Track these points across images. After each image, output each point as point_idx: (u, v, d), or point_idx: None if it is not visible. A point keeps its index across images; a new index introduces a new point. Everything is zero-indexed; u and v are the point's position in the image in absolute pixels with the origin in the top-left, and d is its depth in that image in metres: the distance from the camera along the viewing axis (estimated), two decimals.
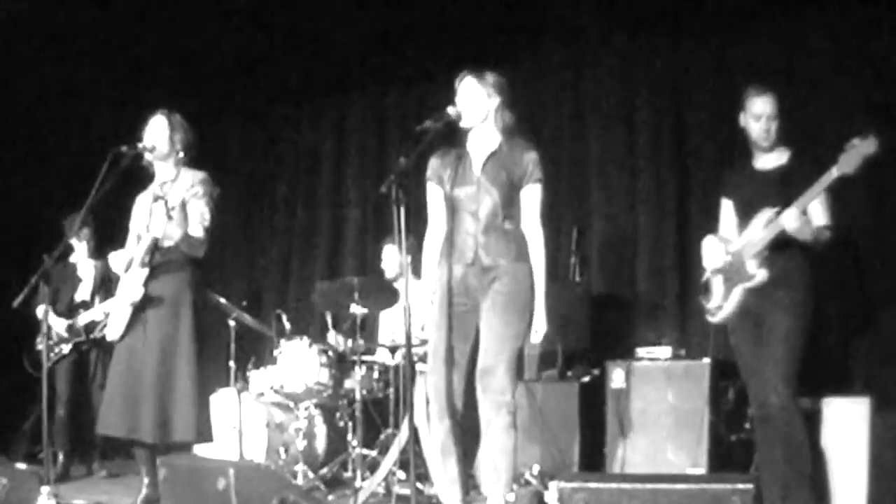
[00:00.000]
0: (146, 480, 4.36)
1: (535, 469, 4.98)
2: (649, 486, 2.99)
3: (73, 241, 6.13)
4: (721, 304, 4.20)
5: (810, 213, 3.96)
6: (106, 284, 6.11)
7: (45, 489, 4.06)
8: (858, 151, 3.74)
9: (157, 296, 4.33)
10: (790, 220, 3.87)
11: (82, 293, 6.20)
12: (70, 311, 6.10)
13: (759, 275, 4.06)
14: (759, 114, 4.15)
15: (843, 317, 5.13)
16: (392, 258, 6.02)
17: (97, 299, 6.14)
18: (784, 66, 5.44)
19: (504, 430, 3.78)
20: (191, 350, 4.33)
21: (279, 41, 6.98)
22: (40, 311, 5.94)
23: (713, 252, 4.26)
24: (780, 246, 4.00)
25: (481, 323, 3.85)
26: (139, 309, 4.33)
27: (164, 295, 4.34)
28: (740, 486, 2.92)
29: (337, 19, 6.65)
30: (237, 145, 7.81)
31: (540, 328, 3.86)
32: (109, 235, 5.61)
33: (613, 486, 3.03)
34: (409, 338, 3.54)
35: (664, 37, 5.94)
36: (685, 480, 3.02)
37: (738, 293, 4.13)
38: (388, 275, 6.04)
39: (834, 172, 3.80)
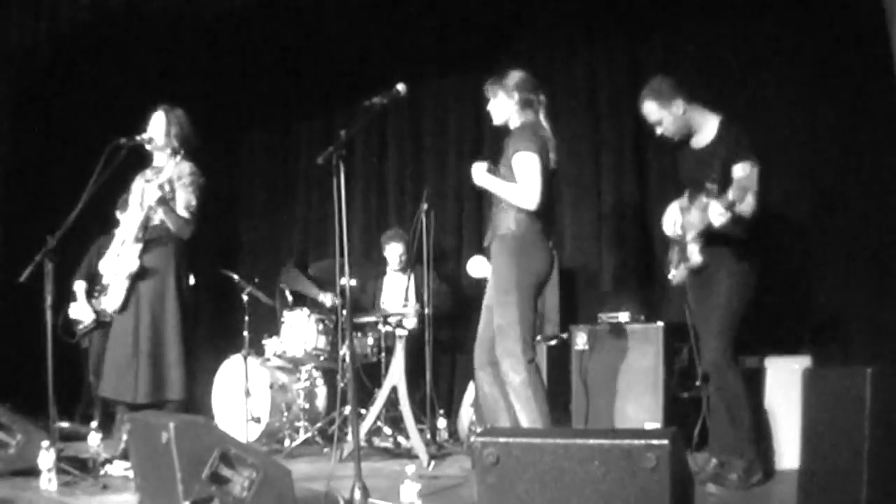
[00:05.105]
0: (125, 437, 4.45)
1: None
2: (560, 440, 2.82)
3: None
4: (674, 271, 4.28)
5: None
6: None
7: (44, 443, 4.29)
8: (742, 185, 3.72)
9: (148, 268, 4.67)
10: (715, 216, 3.80)
11: None
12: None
13: (695, 259, 4.09)
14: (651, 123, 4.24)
15: (786, 278, 5.20)
16: (395, 254, 6.49)
17: None
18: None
19: (514, 390, 4.10)
20: (177, 317, 4.63)
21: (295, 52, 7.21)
22: (77, 285, 6.42)
23: (670, 221, 4.31)
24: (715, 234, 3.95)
25: None
26: (134, 280, 4.66)
27: (153, 267, 4.67)
28: (655, 441, 2.68)
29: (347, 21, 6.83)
30: (261, 144, 8.16)
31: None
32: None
33: (523, 440, 2.87)
34: (351, 318, 3.93)
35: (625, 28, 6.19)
36: (598, 436, 2.82)
37: (683, 268, 4.21)
38: (394, 268, 6.52)
39: (747, 169, 3.85)
